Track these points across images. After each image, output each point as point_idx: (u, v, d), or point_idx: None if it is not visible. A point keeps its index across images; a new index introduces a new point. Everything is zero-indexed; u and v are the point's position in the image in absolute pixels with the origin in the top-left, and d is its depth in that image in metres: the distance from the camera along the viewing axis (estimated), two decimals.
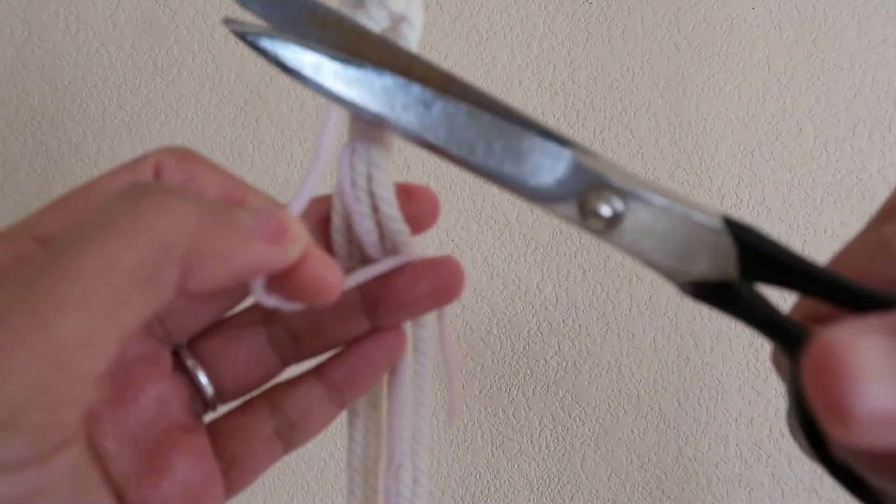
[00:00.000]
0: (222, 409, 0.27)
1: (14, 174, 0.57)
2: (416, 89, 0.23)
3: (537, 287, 0.54)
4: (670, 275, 0.22)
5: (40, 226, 0.22)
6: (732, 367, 0.53)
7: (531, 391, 0.54)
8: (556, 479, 0.54)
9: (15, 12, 0.58)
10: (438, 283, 0.26)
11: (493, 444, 0.54)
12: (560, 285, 0.54)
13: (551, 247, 0.54)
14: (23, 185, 0.57)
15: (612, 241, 0.22)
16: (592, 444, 0.54)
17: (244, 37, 0.23)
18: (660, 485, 0.53)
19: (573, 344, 0.54)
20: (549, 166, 0.23)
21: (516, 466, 0.54)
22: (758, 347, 0.52)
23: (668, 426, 0.53)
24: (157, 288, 0.18)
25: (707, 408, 0.53)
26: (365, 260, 0.27)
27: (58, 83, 0.57)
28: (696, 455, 0.53)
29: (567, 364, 0.54)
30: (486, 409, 0.54)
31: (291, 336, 0.28)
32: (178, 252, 0.18)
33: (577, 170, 0.22)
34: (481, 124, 0.23)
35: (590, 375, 0.54)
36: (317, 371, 0.28)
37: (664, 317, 0.53)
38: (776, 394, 0.52)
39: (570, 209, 0.23)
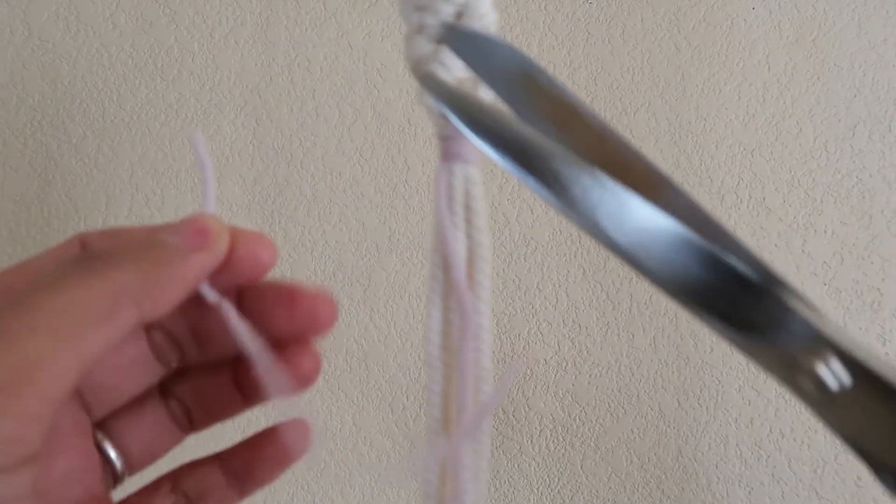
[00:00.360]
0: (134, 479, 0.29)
1: (14, 174, 0.57)
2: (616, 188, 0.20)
3: (537, 287, 0.54)
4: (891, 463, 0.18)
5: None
6: (732, 367, 0.53)
7: (531, 391, 0.54)
8: (556, 479, 0.54)
9: (15, 12, 0.58)
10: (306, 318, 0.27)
11: (493, 445, 0.54)
12: (560, 285, 0.54)
13: (551, 247, 0.54)
14: (23, 185, 0.57)
15: (824, 415, 0.19)
16: (592, 444, 0.54)
17: (439, 100, 0.23)
18: (660, 485, 0.53)
19: (573, 344, 0.54)
20: (757, 308, 0.19)
21: (516, 466, 0.54)
22: None
23: (668, 426, 0.53)
24: (114, 322, 0.21)
25: (707, 408, 0.53)
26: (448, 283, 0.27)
27: (58, 83, 0.57)
28: (696, 455, 0.53)
29: (567, 364, 0.54)
30: None
31: (185, 409, 0.29)
32: (130, 292, 0.21)
33: (802, 328, 0.19)
34: (713, 264, 0.19)
35: (590, 375, 0.54)
36: (218, 457, 0.30)
37: (664, 317, 0.53)
38: (776, 394, 0.52)
39: (782, 367, 0.19)
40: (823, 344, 0.18)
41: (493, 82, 0.23)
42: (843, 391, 0.18)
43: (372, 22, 0.56)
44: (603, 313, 0.54)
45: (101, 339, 0.21)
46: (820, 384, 0.18)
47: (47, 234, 0.57)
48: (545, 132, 0.22)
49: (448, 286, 0.27)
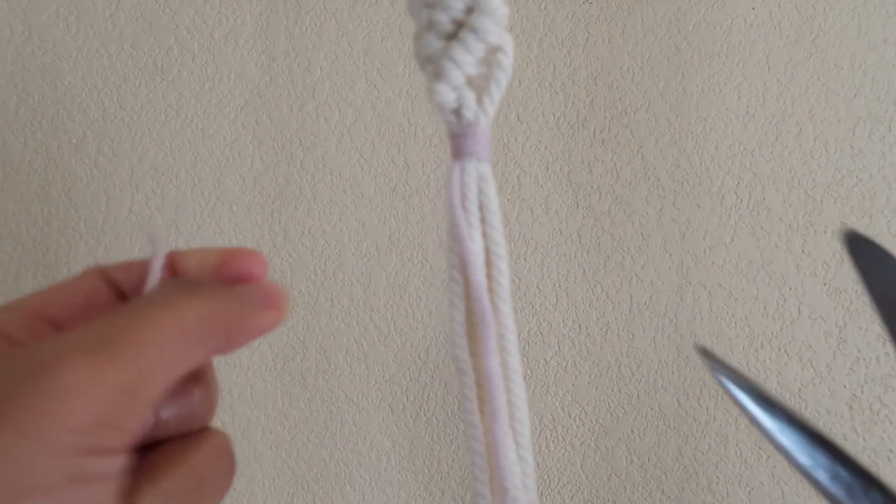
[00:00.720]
0: None
1: (14, 174, 0.57)
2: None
3: (537, 287, 0.54)
4: None
5: (49, 308, 0.26)
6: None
7: (531, 391, 0.54)
8: (556, 479, 0.54)
9: (15, 12, 0.58)
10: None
11: None
12: (560, 285, 0.54)
13: (551, 247, 0.54)
14: (23, 185, 0.57)
15: None
16: (592, 444, 0.54)
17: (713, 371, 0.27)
18: (660, 485, 0.53)
19: (573, 344, 0.54)
20: None
21: None
22: (757, 347, 0.52)
23: (668, 426, 0.53)
24: (204, 346, 0.24)
25: (707, 408, 0.53)
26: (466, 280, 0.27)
27: (58, 83, 0.57)
28: (696, 455, 0.53)
29: (567, 364, 0.54)
30: None
31: None
32: (224, 324, 0.24)
33: None
34: None
35: (590, 375, 0.54)
36: None
37: (664, 317, 0.53)
38: (776, 394, 0.52)
39: None
40: None
41: (880, 299, 0.26)
42: None
43: (372, 22, 0.56)
44: (603, 313, 0.54)
45: (192, 358, 0.23)
46: None
47: (47, 234, 0.57)
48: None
49: (468, 288, 0.27)
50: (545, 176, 0.54)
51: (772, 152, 0.53)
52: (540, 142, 0.54)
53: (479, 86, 0.26)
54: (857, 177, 0.52)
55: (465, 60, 0.25)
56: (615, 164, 0.54)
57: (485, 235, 0.27)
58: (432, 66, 0.26)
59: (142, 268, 0.27)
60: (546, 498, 0.54)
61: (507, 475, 0.25)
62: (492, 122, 0.27)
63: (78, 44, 0.57)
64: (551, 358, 0.54)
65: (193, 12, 0.57)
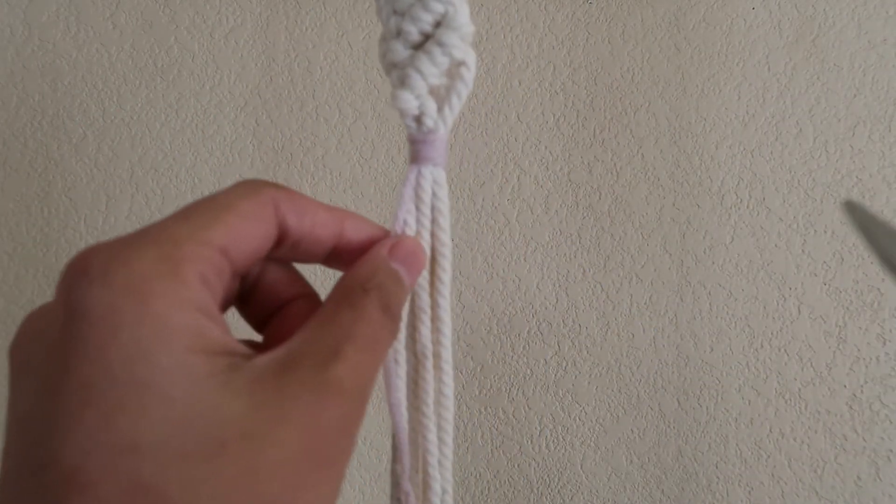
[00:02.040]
0: None
1: (14, 174, 0.57)
2: None
3: (537, 287, 0.54)
4: None
5: (214, 236, 0.24)
6: (732, 367, 0.53)
7: (531, 391, 0.54)
8: (556, 479, 0.54)
9: (15, 12, 0.58)
10: None
11: (493, 444, 0.54)
12: (560, 285, 0.54)
13: (551, 247, 0.54)
14: (23, 185, 0.57)
15: None
16: (592, 444, 0.54)
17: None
18: (660, 485, 0.53)
19: (573, 344, 0.54)
20: None
21: (516, 466, 0.54)
22: (757, 347, 0.52)
23: (668, 426, 0.53)
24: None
25: (707, 408, 0.53)
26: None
27: (58, 83, 0.57)
28: (696, 455, 0.53)
29: (567, 364, 0.54)
30: (486, 409, 0.54)
31: None
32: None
33: None
34: None
35: (590, 375, 0.54)
36: None
37: (664, 317, 0.53)
38: (776, 394, 0.52)
39: None
40: None
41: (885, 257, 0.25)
42: None
43: (372, 22, 0.56)
44: (603, 313, 0.54)
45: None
46: None
47: (47, 234, 0.57)
48: None
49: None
50: (545, 176, 0.54)
51: (772, 152, 0.53)
52: (540, 142, 0.54)
53: (441, 96, 0.28)
54: (857, 177, 0.52)
55: (430, 71, 0.27)
56: (615, 164, 0.54)
57: (433, 236, 0.29)
58: (397, 73, 0.28)
59: (318, 222, 0.27)
60: (546, 498, 0.54)
61: (427, 456, 0.28)
62: (450, 131, 0.29)
63: (78, 44, 0.57)
64: (551, 358, 0.54)
65: (193, 12, 0.57)
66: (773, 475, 0.52)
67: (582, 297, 0.54)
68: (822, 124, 0.52)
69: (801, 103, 0.52)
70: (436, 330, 0.29)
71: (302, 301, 0.29)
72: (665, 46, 0.54)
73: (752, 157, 0.53)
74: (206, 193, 0.26)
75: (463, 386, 0.54)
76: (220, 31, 0.57)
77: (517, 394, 0.54)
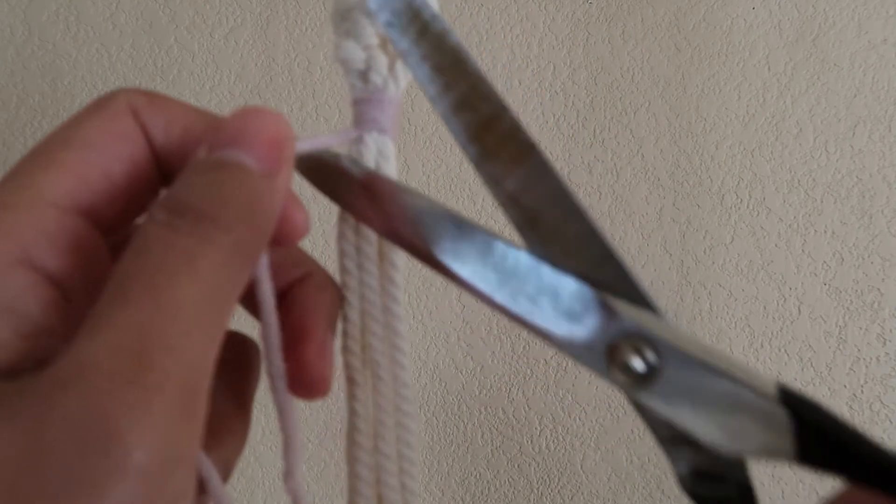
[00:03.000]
0: None
1: None
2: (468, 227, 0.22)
3: None
4: (711, 447, 0.19)
5: (47, 189, 0.18)
6: None
7: (531, 391, 0.54)
8: (556, 479, 0.54)
9: (15, 12, 0.58)
10: None
11: (493, 444, 0.54)
12: None
13: None
14: None
15: (638, 399, 0.20)
16: (592, 444, 0.54)
17: None
18: (660, 485, 0.53)
19: None
20: (578, 313, 0.20)
21: (516, 466, 0.54)
22: (757, 348, 0.52)
23: None
24: (237, 290, 0.19)
25: None
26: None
27: (58, 83, 0.57)
28: None
29: (567, 364, 0.54)
30: (486, 409, 0.54)
31: None
32: (249, 256, 0.19)
33: (616, 320, 0.20)
34: (512, 267, 0.21)
35: (590, 375, 0.54)
36: None
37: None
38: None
39: (599, 360, 0.20)
40: (628, 332, 0.20)
41: (391, 23, 0.22)
42: (654, 375, 0.19)
43: None
44: None
45: (229, 309, 0.18)
46: (628, 369, 0.20)
47: None
48: (423, 75, 0.22)
49: (362, 283, 0.24)
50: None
51: (772, 152, 0.53)
52: (540, 142, 0.54)
53: (394, 52, 0.23)
54: (857, 177, 0.52)
55: (382, 17, 0.22)
56: (615, 164, 0.54)
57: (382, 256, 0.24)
58: (346, 24, 0.23)
59: (183, 133, 0.20)
60: (546, 498, 0.54)
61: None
62: (402, 95, 0.25)
63: (78, 44, 0.57)
64: (551, 358, 0.54)
65: (193, 12, 0.57)
66: (773, 475, 0.52)
67: None
68: (822, 124, 0.52)
69: (801, 103, 0.52)
70: (390, 344, 0.24)
71: (309, 283, 0.23)
72: (665, 46, 0.54)
73: (752, 157, 0.53)
74: None
75: (463, 386, 0.54)
76: (220, 31, 0.57)
77: (517, 394, 0.54)
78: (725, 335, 0.53)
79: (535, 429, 0.54)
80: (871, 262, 0.52)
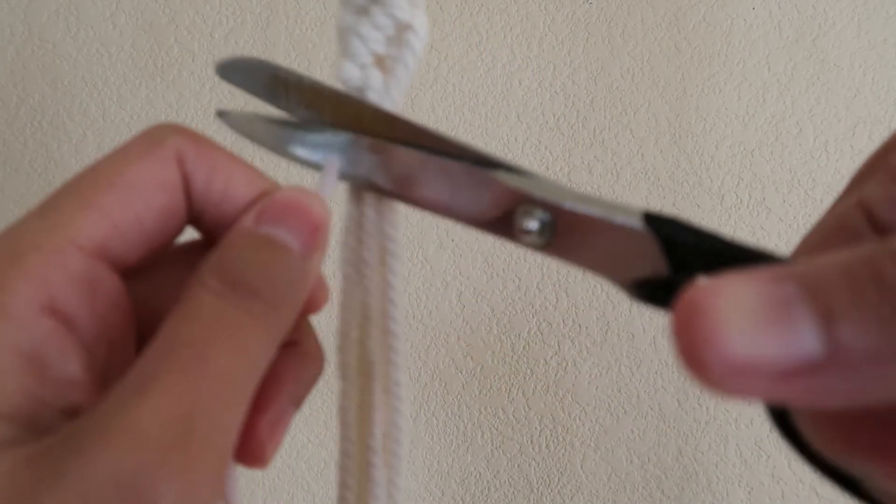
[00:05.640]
0: None
1: (14, 174, 0.57)
2: (364, 141, 0.24)
3: (537, 287, 0.54)
4: (612, 279, 0.22)
5: (80, 233, 0.18)
6: None
7: (531, 391, 0.54)
8: (556, 479, 0.54)
9: (15, 12, 0.58)
10: None
11: (493, 444, 0.54)
12: (560, 285, 0.54)
13: None
14: (23, 185, 0.57)
15: (552, 254, 0.22)
16: (592, 444, 0.54)
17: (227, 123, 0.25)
18: (660, 485, 0.53)
19: (573, 344, 0.54)
20: (479, 191, 0.23)
21: (516, 466, 0.54)
22: None
23: (668, 426, 0.53)
24: (268, 358, 0.19)
25: (707, 408, 0.53)
26: None
27: (58, 83, 0.57)
28: (696, 455, 0.53)
29: (567, 364, 0.54)
30: (486, 409, 0.54)
31: None
32: (283, 330, 0.20)
33: (504, 190, 0.22)
34: (420, 163, 0.23)
35: (590, 375, 0.54)
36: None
37: (664, 317, 0.53)
38: None
39: (507, 229, 0.22)
40: (521, 198, 0.22)
41: (259, 92, 0.25)
42: (550, 230, 0.22)
43: None
44: (603, 313, 0.54)
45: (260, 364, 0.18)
46: (528, 231, 0.22)
47: None
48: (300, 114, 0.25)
49: (363, 288, 0.25)
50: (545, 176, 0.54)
51: (772, 152, 0.53)
52: (540, 142, 0.54)
53: (388, 67, 0.25)
54: None
55: (372, 36, 0.24)
56: (615, 164, 0.54)
57: (380, 231, 0.25)
58: (342, 44, 0.25)
59: (224, 188, 0.20)
60: (546, 498, 0.54)
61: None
62: (399, 107, 0.26)
63: (78, 44, 0.57)
64: (551, 358, 0.54)
65: (193, 12, 0.57)
66: (773, 475, 0.52)
67: (582, 297, 0.54)
68: (822, 124, 0.52)
69: (801, 103, 0.52)
70: (385, 345, 0.25)
71: (293, 352, 0.23)
72: (665, 46, 0.54)
73: (752, 157, 0.53)
74: None
75: (463, 386, 0.54)
76: (220, 31, 0.57)
77: (517, 394, 0.54)
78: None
79: (535, 429, 0.54)
80: None
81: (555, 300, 0.54)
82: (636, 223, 0.21)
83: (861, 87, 0.52)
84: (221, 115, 0.25)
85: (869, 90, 0.52)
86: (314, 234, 0.20)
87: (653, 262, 0.21)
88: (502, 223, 0.23)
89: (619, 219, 0.21)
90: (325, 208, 0.20)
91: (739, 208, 0.53)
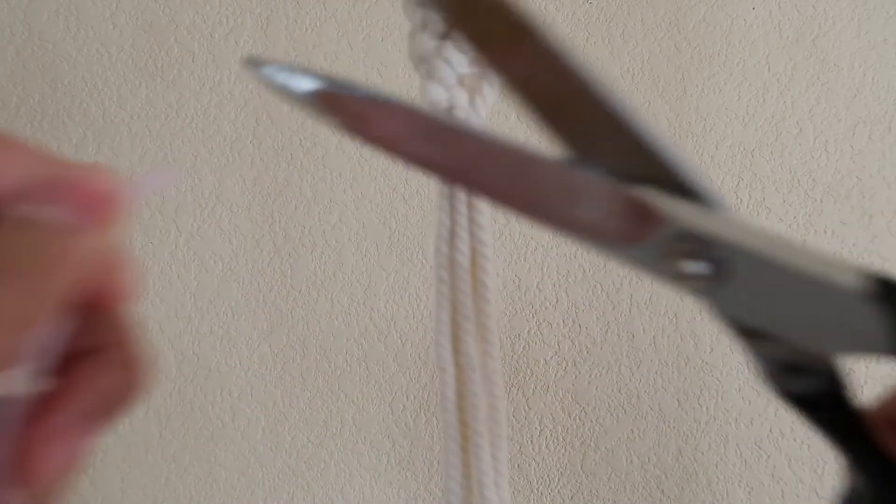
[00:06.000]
0: None
1: None
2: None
3: (537, 287, 0.54)
4: (796, 348, 0.18)
5: None
6: (732, 367, 0.52)
7: (531, 391, 0.54)
8: (556, 479, 0.54)
9: (15, 12, 0.58)
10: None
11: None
12: (560, 285, 0.54)
13: (551, 247, 0.54)
14: None
15: (717, 303, 0.18)
16: (592, 444, 0.54)
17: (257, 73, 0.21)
18: (660, 485, 0.53)
19: (573, 344, 0.54)
20: (619, 218, 0.18)
21: (516, 466, 0.54)
22: None
23: (668, 426, 0.53)
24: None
25: (707, 408, 0.53)
26: None
27: (58, 83, 0.57)
28: (696, 455, 0.53)
29: (567, 364, 0.54)
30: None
31: None
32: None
33: (654, 219, 0.18)
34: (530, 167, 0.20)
35: (590, 375, 0.54)
36: None
37: (664, 317, 0.53)
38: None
39: (657, 263, 0.18)
40: (683, 237, 0.18)
41: None
42: (725, 277, 0.18)
43: (372, 22, 0.56)
44: (603, 313, 0.54)
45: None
46: (687, 272, 0.18)
47: None
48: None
49: (454, 288, 0.26)
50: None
51: (772, 152, 0.53)
52: (540, 142, 0.54)
53: (472, 86, 0.26)
54: (857, 177, 0.52)
55: (457, 60, 0.26)
56: None
57: (472, 235, 0.26)
58: (425, 66, 0.26)
59: (17, 181, 0.18)
60: (546, 498, 0.54)
61: (482, 477, 0.25)
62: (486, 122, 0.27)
63: (78, 44, 0.57)
64: (551, 358, 0.54)
65: (193, 12, 0.57)
66: (773, 475, 0.52)
67: (582, 297, 0.54)
68: (822, 124, 0.52)
69: (801, 103, 0.52)
70: (482, 340, 0.26)
71: (95, 359, 0.20)
72: (665, 46, 0.54)
73: (752, 157, 0.53)
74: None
75: None
76: (220, 31, 0.57)
77: (517, 394, 0.54)
78: (725, 335, 0.53)
79: (535, 429, 0.54)
80: (871, 263, 0.51)
81: (555, 300, 0.54)
82: (856, 288, 0.17)
83: (861, 87, 0.52)
84: (250, 63, 0.21)
85: (869, 90, 0.52)
86: (90, 206, 0.18)
87: (867, 341, 0.17)
88: (645, 257, 0.18)
89: (831, 281, 0.17)
90: (108, 184, 0.18)
91: (739, 208, 0.53)
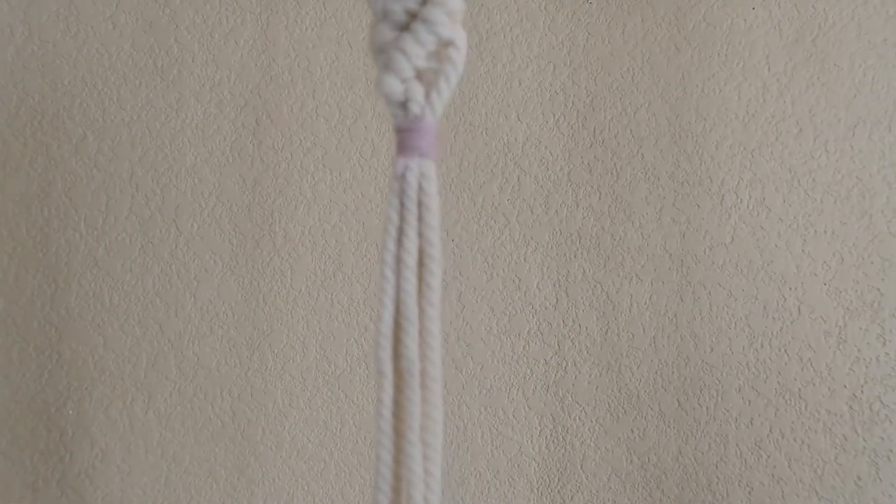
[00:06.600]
0: None
1: (14, 174, 0.57)
2: None
3: (537, 287, 0.54)
4: None
5: None
6: (732, 367, 0.53)
7: (531, 391, 0.54)
8: (556, 479, 0.54)
9: (15, 12, 0.58)
10: None
11: (493, 444, 0.54)
12: (560, 285, 0.54)
13: (551, 247, 0.54)
14: (23, 185, 0.57)
15: None
16: (592, 444, 0.54)
17: None
18: (660, 485, 0.53)
19: (573, 344, 0.54)
20: None
21: (516, 466, 0.54)
22: (757, 347, 0.52)
23: (668, 426, 0.53)
24: None
25: (707, 408, 0.53)
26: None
27: (58, 83, 0.57)
28: (696, 455, 0.53)
29: (567, 364, 0.54)
30: (486, 409, 0.54)
31: None
32: None
33: None
34: None
35: (590, 375, 0.54)
36: None
37: (664, 317, 0.53)
38: (776, 394, 0.52)
39: None
40: None
41: None
42: None
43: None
44: (603, 313, 0.54)
45: None
46: None
47: (47, 234, 0.57)
48: None
49: (399, 288, 0.25)
50: (545, 176, 0.54)
51: (772, 152, 0.53)
52: (540, 142, 0.54)
53: (429, 80, 0.26)
54: (857, 177, 0.52)
55: (415, 52, 0.25)
56: (615, 164, 0.54)
57: (420, 235, 0.25)
58: (383, 57, 0.25)
59: None
60: (546, 498, 0.54)
61: (411, 490, 0.24)
62: (439, 119, 0.27)
63: (78, 44, 0.57)
64: (551, 358, 0.54)
65: (193, 12, 0.57)
66: (773, 475, 0.52)
67: (582, 297, 0.54)
68: (822, 124, 0.52)
69: (801, 103, 0.52)
70: (423, 343, 0.25)
71: None
72: (665, 46, 0.54)
73: (753, 157, 0.53)
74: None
75: (463, 386, 0.54)
76: (220, 31, 0.57)
77: (517, 394, 0.54)
78: (725, 335, 0.53)
79: (535, 429, 0.54)
80: (871, 262, 0.52)
81: (555, 300, 0.54)
82: None
83: (861, 87, 0.52)
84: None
85: (869, 90, 0.52)
86: None
87: None
88: None
89: None
90: None
91: (739, 208, 0.53)
